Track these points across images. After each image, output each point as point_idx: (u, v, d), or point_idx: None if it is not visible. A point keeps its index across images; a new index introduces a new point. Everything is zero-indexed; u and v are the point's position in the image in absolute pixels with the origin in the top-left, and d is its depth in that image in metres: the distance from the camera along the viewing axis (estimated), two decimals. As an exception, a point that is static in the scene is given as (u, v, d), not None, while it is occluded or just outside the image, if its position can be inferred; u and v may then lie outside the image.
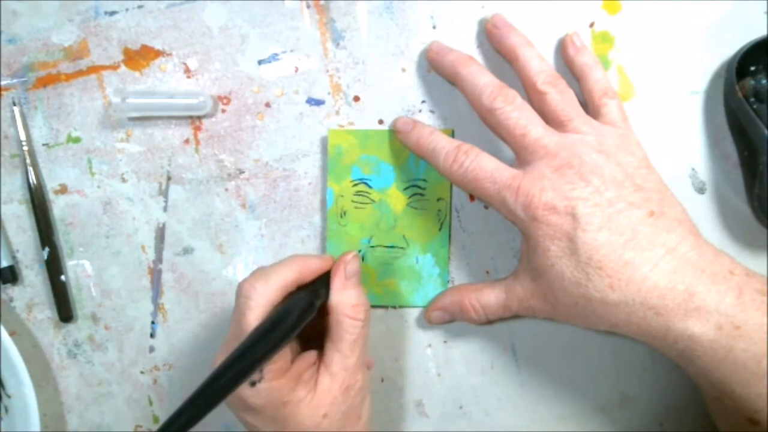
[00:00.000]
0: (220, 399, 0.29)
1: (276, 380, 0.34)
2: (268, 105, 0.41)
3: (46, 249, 0.42)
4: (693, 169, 0.41)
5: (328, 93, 0.41)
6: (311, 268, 0.36)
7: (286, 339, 0.32)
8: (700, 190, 0.41)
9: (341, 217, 0.41)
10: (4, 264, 0.42)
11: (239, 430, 0.44)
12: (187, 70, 0.41)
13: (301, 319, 0.33)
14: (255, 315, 0.33)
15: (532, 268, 0.36)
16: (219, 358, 0.35)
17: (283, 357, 0.34)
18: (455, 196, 0.41)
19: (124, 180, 0.42)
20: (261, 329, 0.32)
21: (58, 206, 0.42)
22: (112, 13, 0.41)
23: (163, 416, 0.44)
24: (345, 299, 0.36)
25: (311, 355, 0.36)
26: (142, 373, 0.43)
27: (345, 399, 0.36)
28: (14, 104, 0.41)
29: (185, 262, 0.42)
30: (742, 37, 0.39)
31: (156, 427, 0.44)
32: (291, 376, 0.34)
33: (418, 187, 0.41)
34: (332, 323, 0.36)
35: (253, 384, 0.33)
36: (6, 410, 0.42)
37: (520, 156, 0.36)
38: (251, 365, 0.30)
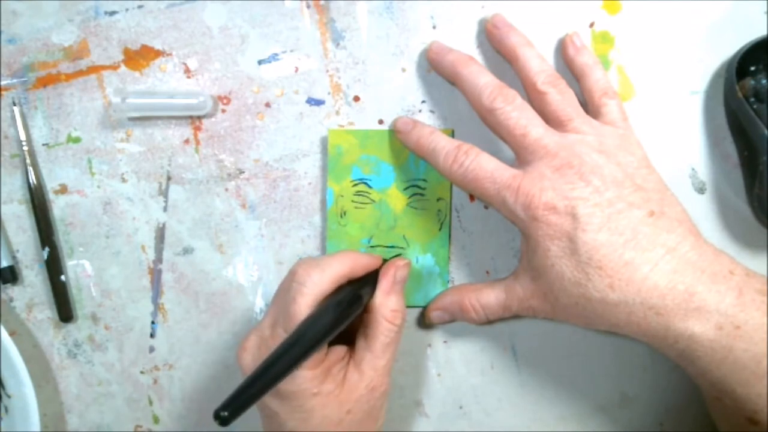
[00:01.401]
0: (277, 381, 0.30)
1: (311, 370, 0.34)
2: (268, 105, 0.41)
3: (46, 249, 0.42)
4: (693, 169, 0.41)
5: (328, 93, 0.41)
6: (362, 265, 0.37)
7: (336, 329, 0.33)
8: (700, 190, 0.41)
9: (341, 217, 0.41)
10: (4, 264, 0.42)
11: (239, 430, 0.44)
12: (187, 70, 0.41)
13: (350, 313, 0.34)
14: (307, 302, 0.34)
15: (532, 268, 0.36)
16: (252, 338, 0.36)
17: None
18: (455, 196, 0.41)
19: (124, 180, 0.42)
20: (316, 316, 0.33)
21: (58, 206, 0.42)
22: (112, 13, 0.41)
23: (163, 416, 0.44)
24: (388, 302, 0.36)
25: (341, 349, 0.37)
26: (142, 373, 0.43)
27: (369, 399, 0.36)
28: (14, 104, 0.41)
29: (185, 262, 0.42)
30: (742, 37, 0.39)
31: (156, 427, 0.44)
32: (323, 368, 0.35)
33: (418, 187, 0.41)
34: (369, 322, 0.37)
35: None
36: (6, 410, 0.42)
37: (520, 156, 0.36)
38: (308, 350, 0.31)
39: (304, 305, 0.34)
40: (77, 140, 0.42)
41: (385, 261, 0.40)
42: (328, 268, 0.35)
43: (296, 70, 0.41)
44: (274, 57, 0.41)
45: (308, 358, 0.32)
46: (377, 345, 0.36)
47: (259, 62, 0.41)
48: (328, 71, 0.41)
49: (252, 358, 0.36)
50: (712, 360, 0.33)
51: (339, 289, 0.35)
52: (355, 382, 0.36)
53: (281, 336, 0.34)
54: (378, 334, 0.36)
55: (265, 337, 0.35)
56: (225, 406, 0.29)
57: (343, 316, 0.33)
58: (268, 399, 0.35)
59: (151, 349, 0.43)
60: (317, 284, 0.34)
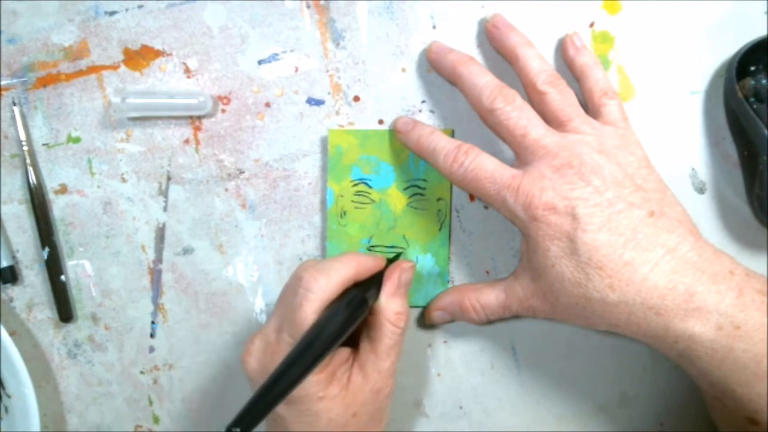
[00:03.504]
0: (289, 390, 0.30)
1: (317, 374, 0.34)
2: (268, 105, 0.41)
3: (46, 249, 0.42)
4: (693, 169, 0.41)
5: (328, 93, 0.41)
6: (366, 267, 0.37)
7: (344, 334, 0.33)
8: (700, 190, 0.41)
9: (341, 217, 0.41)
10: (4, 264, 0.42)
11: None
12: (187, 70, 0.41)
13: (357, 317, 0.34)
14: (313, 308, 0.34)
15: (532, 268, 0.36)
16: (257, 342, 0.36)
17: None
18: (455, 196, 0.41)
19: (124, 180, 0.42)
20: (324, 322, 0.33)
21: (58, 206, 0.42)
22: (112, 13, 0.41)
23: (163, 416, 0.44)
24: (392, 305, 0.36)
25: (345, 352, 0.37)
26: (142, 373, 0.43)
27: (374, 401, 0.36)
28: (14, 104, 0.41)
29: (185, 262, 0.42)
30: (742, 37, 0.39)
31: (156, 427, 0.44)
32: (328, 372, 0.35)
33: (418, 187, 0.41)
34: (373, 324, 0.36)
35: None
36: (6, 410, 0.42)
37: (520, 156, 0.36)
38: (318, 357, 0.31)
39: (310, 311, 0.33)
40: (77, 140, 0.42)
41: (389, 261, 0.40)
42: (334, 272, 0.35)
43: (296, 70, 0.41)
44: (274, 57, 0.41)
45: (319, 365, 0.32)
46: (381, 347, 0.36)
47: (259, 62, 0.41)
48: (328, 71, 0.41)
49: (258, 364, 0.35)
50: (712, 360, 0.33)
51: (344, 293, 0.35)
52: (359, 385, 0.35)
53: (287, 342, 0.34)
54: (382, 336, 0.36)
55: (271, 342, 0.35)
56: (237, 421, 0.28)
57: (350, 321, 0.33)
58: None
59: (151, 349, 0.43)
60: (324, 289, 0.34)
